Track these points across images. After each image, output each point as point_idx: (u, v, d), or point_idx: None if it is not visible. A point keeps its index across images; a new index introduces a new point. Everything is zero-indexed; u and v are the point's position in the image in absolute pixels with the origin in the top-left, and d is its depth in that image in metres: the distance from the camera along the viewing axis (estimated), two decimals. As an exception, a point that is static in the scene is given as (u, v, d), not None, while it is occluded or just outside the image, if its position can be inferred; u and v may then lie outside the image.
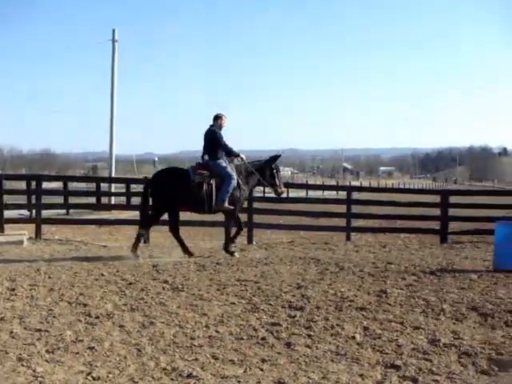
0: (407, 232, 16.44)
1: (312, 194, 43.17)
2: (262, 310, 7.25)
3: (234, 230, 12.40)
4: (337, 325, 6.54)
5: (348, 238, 15.17)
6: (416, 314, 7.16)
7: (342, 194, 25.30)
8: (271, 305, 7.47)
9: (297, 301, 7.66)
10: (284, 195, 14.83)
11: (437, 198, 16.10)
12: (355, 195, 16.15)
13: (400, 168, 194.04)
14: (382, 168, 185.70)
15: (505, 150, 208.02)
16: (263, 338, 6.05)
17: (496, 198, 21.98)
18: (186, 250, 11.93)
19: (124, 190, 25.17)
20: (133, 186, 24.00)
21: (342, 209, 16.27)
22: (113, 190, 30.12)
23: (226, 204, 11.72)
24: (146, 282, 8.79)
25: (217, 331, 6.28)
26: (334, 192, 42.04)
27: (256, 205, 15.45)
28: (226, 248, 12.17)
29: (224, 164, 11.85)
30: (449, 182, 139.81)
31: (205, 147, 12.01)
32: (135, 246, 11.80)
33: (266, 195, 23.95)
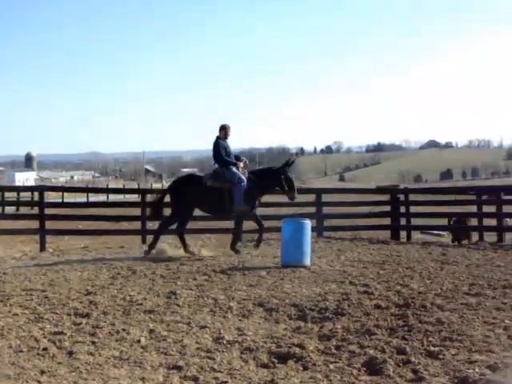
0: (204, 232, 16.58)
1: (113, 197, 42.41)
2: (47, 319, 6.97)
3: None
4: (123, 329, 6.43)
5: (144, 241, 15.04)
6: (204, 313, 7.26)
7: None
8: (56, 313, 7.22)
9: (84, 307, 7.48)
10: (84, 199, 14.42)
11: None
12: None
13: (202, 169, 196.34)
14: (185, 170, 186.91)
15: (302, 150, 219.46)
16: (45, 349, 5.80)
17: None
18: (188, 251, 12.65)
19: None
20: None
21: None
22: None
23: (241, 206, 12.47)
24: None
25: (-6, 345, 5.93)
26: (136, 195, 41.54)
27: (51, 211, 14.88)
28: (233, 247, 12.87)
29: (234, 170, 12.56)
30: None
31: (213, 157, 12.79)
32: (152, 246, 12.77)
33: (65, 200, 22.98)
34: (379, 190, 18.87)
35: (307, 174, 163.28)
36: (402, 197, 16.09)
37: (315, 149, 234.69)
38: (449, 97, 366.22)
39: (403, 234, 15.89)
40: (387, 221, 16.35)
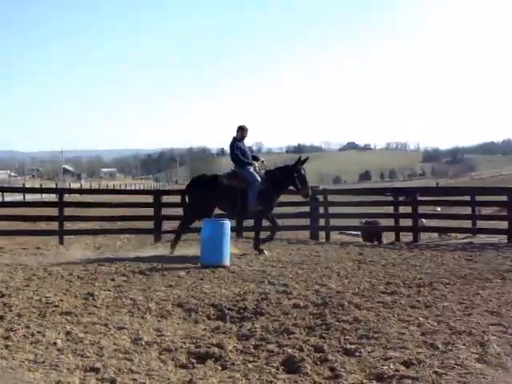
0: (124, 233, 16.40)
1: (30, 197, 41.32)
2: (-42, 323, 6.71)
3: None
4: (38, 332, 6.25)
5: (61, 242, 14.73)
6: (122, 314, 7.16)
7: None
8: (-32, 317, 6.96)
9: (-3, 310, 7.24)
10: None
11: (150, 198, 16.32)
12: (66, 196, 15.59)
13: (122, 169, 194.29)
14: (104, 169, 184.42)
15: (222, 150, 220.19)
16: (-45, 354, 5.59)
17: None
18: (173, 247, 12.99)
19: None
20: None
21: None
22: None
23: (254, 206, 12.68)
24: None
25: None
26: (53, 195, 40.61)
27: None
28: (257, 247, 12.95)
29: (251, 169, 12.81)
30: (170, 182, 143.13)
31: (230, 158, 13.13)
32: (174, 245, 13.05)
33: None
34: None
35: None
36: (320, 197, 16.30)
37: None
38: (368, 100, 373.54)
39: (322, 234, 16.14)
40: (306, 221, 16.56)
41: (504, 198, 15.71)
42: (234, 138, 13.10)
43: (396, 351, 5.64)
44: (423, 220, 18.59)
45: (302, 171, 13.05)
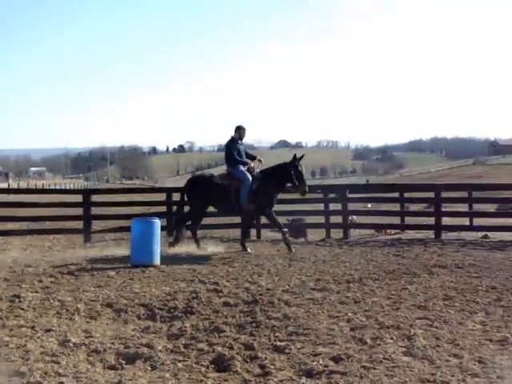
0: (52, 233, 16.07)
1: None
2: None
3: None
4: (-39, 336, 6.07)
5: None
6: (49, 316, 7.03)
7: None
8: None
9: None
10: None
11: (79, 198, 16.03)
12: None
13: (51, 168, 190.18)
14: (33, 169, 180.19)
15: (154, 149, 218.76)
16: None
17: (140, 195, 22.50)
18: (172, 245, 12.95)
19: None
20: None
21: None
22: None
23: (247, 204, 12.70)
24: None
25: None
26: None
27: None
28: (242, 244, 13.08)
29: (241, 168, 12.92)
30: (101, 181, 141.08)
31: (225, 156, 13.24)
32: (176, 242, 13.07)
33: None
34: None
35: (160, 173, 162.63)
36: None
37: (167, 148, 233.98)
38: (300, 98, 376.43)
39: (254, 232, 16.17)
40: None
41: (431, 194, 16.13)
42: (233, 138, 13.18)
43: (325, 347, 5.71)
44: (354, 217, 18.86)
45: (299, 168, 13.06)
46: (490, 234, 15.31)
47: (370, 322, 6.61)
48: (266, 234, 17.20)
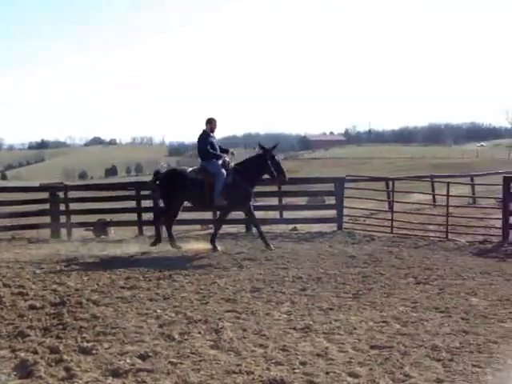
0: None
1: None
2: None
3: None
4: None
5: None
6: None
7: None
8: None
9: None
10: None
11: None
12: None
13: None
14: None
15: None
16: None
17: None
18: (174, 245, 12.57)
19: None
20: None
21: None
22: None
23: (220, 199, 12.21)
24: None
25: None
26: None
27: None
28: (212, 241, 12.39)
29: (215, 162, 12.37)
30: None
31: (197, 150, 12.72)
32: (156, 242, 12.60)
33: None
34: (41, 188, 18.32)
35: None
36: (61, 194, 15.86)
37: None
38: (103, 96, 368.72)
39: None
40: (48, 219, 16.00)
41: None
42: (205, 132, 12.55)
43: (133, 345, 5.70)
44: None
45: (276, 158, 12.57)
46: (298, 226, 15.88)
47: (178, 318, 6.70)
48: (82, 232, 16.72)
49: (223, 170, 12.39)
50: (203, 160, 12.65)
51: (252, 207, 12.81)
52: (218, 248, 12.22)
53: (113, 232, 16.18)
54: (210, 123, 12.73)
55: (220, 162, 12.49)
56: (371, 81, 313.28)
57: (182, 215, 13.35)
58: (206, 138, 12.56)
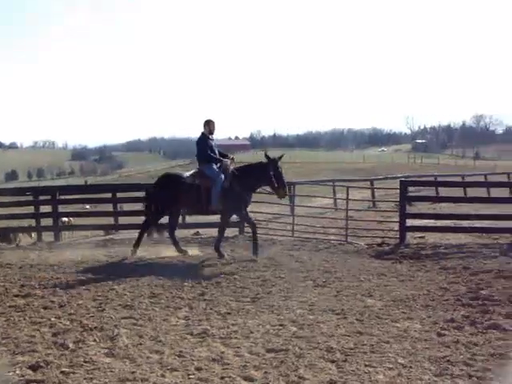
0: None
1: None
2: None
3: None
4: None
5: None
6: None
7: None
8: None
9: None
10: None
11: None
12: None
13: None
14: None
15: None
16: None
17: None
18: (179, 250, 12.07)
19: None
20: None
21: None
22: None
23: (217, 204, 11.79)
24: None
25: None
26: None
27: None
28: (217, 247, 11.97)
29: (213, 166, 11.98)
30: None
31: (196, 153, 12.23)
32: (137, 245, 12.21)
33: None
34: None
35: None
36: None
37: None
38: (37, 99, 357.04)
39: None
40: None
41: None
42: (204, 134, 12.04)
43: (24, 355, 5.55)
44: (71, 219, 18.53)
45: (280, 169, 11.89)
46: (201, 230, 15.82)
47: (73, 326, 6.57)
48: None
49: (221, 175, 11.99)
50: (201, 163, 12.25)
51: (247, 215, 12.30)
52: (225, 255, 11.84)
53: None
54: (209, 125, 12.32)
55: (218, 165, 12.13)
56: (276, 86, 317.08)
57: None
58: (205, 140, 12.18)
